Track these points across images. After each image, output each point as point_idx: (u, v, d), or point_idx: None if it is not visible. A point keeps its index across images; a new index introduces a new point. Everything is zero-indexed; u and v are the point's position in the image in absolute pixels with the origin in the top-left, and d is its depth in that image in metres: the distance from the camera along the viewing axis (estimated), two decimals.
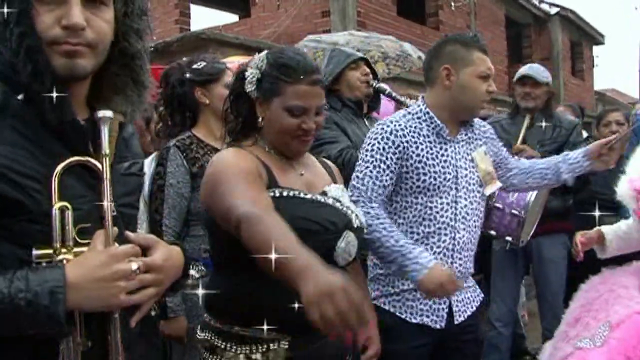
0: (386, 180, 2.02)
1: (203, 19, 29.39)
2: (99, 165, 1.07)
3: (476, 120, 2.25)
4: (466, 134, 2.17)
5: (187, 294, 2.23)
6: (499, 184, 2.27)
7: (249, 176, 1.48)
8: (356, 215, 1.63)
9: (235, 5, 11.70)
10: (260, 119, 1.62)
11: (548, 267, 3.57)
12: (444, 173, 2.06)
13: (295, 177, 1.63)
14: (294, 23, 8.94)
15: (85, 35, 1.06)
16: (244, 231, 1.29)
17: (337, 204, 1.61)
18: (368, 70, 2.99)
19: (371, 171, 2.01)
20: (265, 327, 1.48)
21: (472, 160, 2.15)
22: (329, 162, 1.87)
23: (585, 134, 5.27)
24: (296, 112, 1.57)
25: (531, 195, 2.98)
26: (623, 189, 2.36)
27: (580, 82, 15.96)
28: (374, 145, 2.03)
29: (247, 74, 1.62)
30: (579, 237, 2.46)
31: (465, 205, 2.10)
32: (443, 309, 2.05)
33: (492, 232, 2.99)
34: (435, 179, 2.04)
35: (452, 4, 10.57)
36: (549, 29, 14.50)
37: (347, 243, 1.56)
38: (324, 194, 1.63)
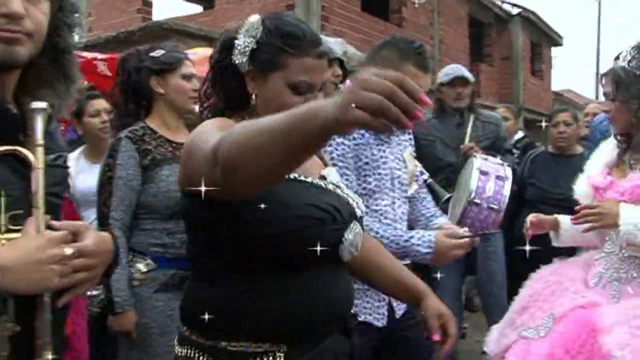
0: (355, 186, 1.95)
1: (166, 8, 29.00)
2: (30, 156, 1.07)
3: None
4: (397, 135, 2.17)
5: (134, 288, 2.19)
6: (416, 185, 2.28)
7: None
8: (357, 203, 1.44)
9: None
10: (253, 96, 1.38)
11: (492, 261, 3.67)
12: (385, 175, 2.06)
13: None
14: None
15: (24, 24, 1.06)
16: (221, 155, 1.06)
17: (338, 190, 1.41)
18: (340, 72, 2.93)
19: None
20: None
21: (403, 161, 2.16)
22: None
23: (521, 134, 5.48)
24: (301, 90, 1.34)
25: (506, 190, 2.98)
26: (582, 188, 2.38)
27: (539, 82, 16.32)
28: (332, 153, 1.94)
29: (237, 42, 1.38)
30: (531, 217, 2.48)
31: (400, 206, 2.12)
32: (383, 306, 2.05)
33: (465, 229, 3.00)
34: (379, 180, 2.03)
35: (416, 1, 10.67)
36: (510, 29, 14.79)
37: (355, 235, 1.35)
38: (323, 178, 1.42)
